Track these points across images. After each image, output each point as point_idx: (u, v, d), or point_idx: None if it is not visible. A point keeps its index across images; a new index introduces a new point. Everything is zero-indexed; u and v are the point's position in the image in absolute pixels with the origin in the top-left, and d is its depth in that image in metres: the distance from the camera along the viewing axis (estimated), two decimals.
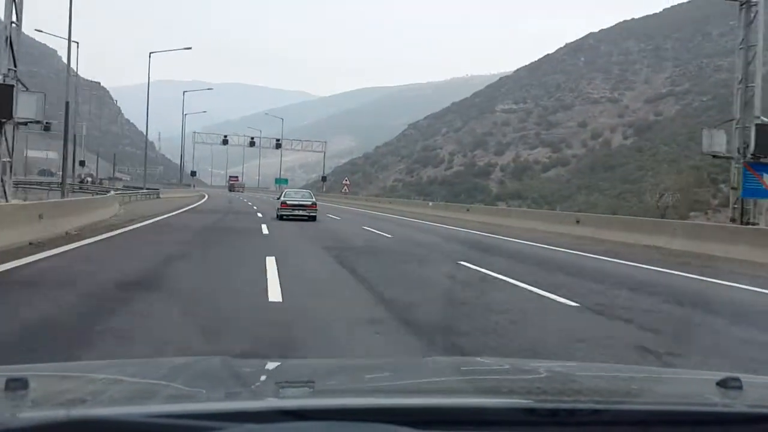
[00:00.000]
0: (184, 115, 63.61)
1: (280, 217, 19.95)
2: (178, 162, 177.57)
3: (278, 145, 70.08)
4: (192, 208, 27.14)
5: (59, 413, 1.04)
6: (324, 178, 71.39)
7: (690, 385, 1.69)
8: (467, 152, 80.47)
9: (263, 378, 1.58)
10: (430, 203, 37.10)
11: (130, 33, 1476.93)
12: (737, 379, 1.32)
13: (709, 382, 1.41)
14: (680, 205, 54.31)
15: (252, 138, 69.73)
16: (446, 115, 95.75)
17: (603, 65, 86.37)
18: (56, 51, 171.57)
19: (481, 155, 78.97)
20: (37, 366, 2.10)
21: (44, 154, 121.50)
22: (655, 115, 76.63)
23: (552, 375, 1.72)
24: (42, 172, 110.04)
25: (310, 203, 20.29)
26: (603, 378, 1.77)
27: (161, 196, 39.36)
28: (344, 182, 57.91)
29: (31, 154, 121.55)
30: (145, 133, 53.07)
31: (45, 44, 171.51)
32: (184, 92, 57.65)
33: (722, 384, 1.31)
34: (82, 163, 74.27)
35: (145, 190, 37.86)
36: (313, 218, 19.89)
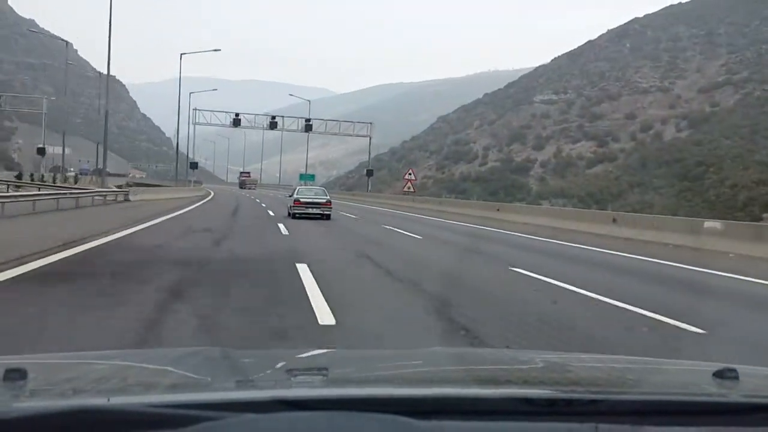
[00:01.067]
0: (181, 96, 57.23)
1: (293, 215, 18.97)
2: (196, 158, 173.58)
3: (308, 127, 56.23)
4: (129, 237, 11.35)
5: (59, 403, 1.05)
6: (369, 172, 56.36)
7: (687, 376, 1.70)
8: (503, 146, 74.23)
9: (263, 368, 1.60)
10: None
11: (146, 31, 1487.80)
12: (734, 370, 1.33)
13: (705, 372, 1.43)
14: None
15: (273, 118, 55.93)
16: (477, 107, 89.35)
17: (651, 52, 79.47)
18: (71, 44, 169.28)
19: (518, 150, 72.69)
20: (35, 356, 2.10)
21: (56, 149, 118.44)
22: (711, 106, 69.72)
23: (549, 365, 1.75)
24: (55, 169, 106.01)
25: (324, 201, 19.50)
26: (600, 368, 1.79)
27: (133, 198, 27.00)
28: (407, 177, 39.67)
29: (49, 150, 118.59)
30: (107, 94, 47.15)
31: (59, 37, 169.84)
32: (181, 55, 45.84)
33: (719, 374, 1.33)
34: (41, 151, 58.75)
35: (97, 190, 25.58)
36: (327, 216, 19.03)
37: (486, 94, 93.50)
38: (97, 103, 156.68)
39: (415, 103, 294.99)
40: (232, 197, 41.75)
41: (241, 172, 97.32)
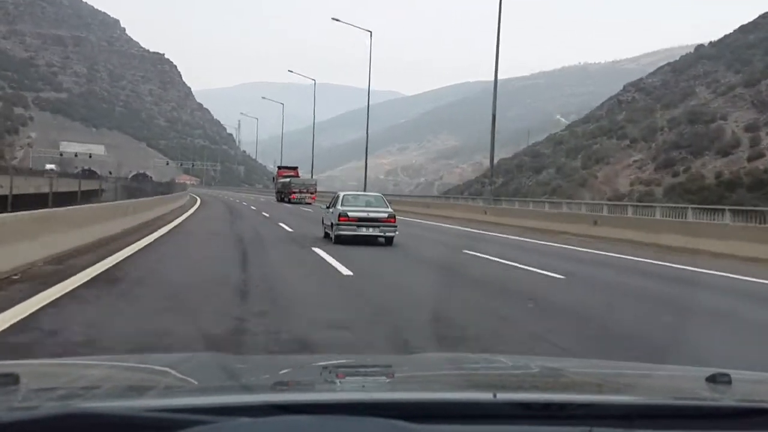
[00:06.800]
0: None
1: (337, 239, 12.90)
2: (265, 164, 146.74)
3: None
4: None
5: (51, 408, 1.05)
6: None
7: (680, 381, 1.72)
8: None
9: (257, 373, 1.62)
10: None
11: (217, 36, 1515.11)
12: (726, 375, 1.35)
13: (698, 377, 1.46)
14: None
15: None
16: (696, 64, 56.42)
17: None
18: (119, 21, 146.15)
19: None
20: (28, 361, 2.11)
21: (85, 147, 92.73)
22: None
23: (543, 370, 1.77)
24: (87, 173, 79.37)
25: (385, 215, 13.35)
26: (594, 373, 1.82)
27: None
28: None
29: (76, 149, 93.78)
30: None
31: (106, 13, 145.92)
32: None
33: (711, 379, 1.35)
34: None
35: None
36: (389, 240, 13.11)
37: (699, 46, 59.96)
38: (141, 88, 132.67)
39: (499, 99, 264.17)
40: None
41: (280, 169, 51.87)
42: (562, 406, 1.13)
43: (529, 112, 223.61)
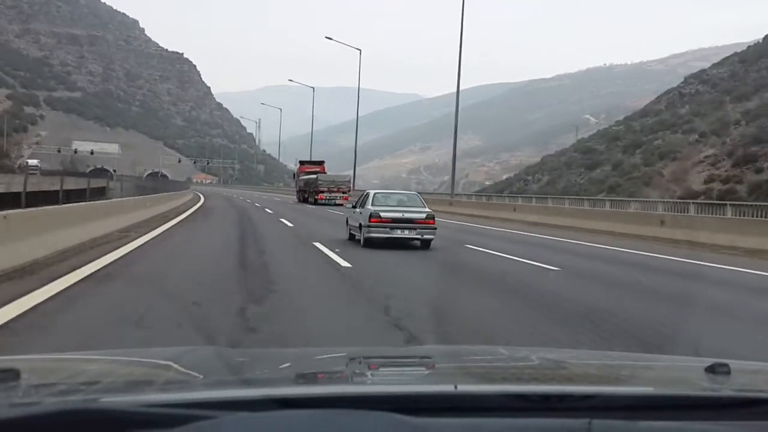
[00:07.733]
0: None
1: (367, 241, 11.64)
2: (285, 163, 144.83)
3: None
4: None
5: (53, 404, 1.05)
6: None
7: (679, 371, 1.73)
8: None
9: (257, 367, 1.62)
10: None
11: (239, 40, 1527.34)
12: (725, 365, 1.36)
13: (697, 367, 1.48)
14: None
15: None
16: None
17: None
18: (137, 21, 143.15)
19: None
20: (27, 357, 2.12)
21: (98, 146, 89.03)
22: None
23: (543, 362, 1.78)
24: (98, 172, 75.28)
25: (422, 216, 12.06)
26: (593, 364, 1.83)
27: None
28: None
29: (89, 148, 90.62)
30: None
31: (124, 13, 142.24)
32: None
33: (711, 369, 1.36)
34: None
35: None
36: (426, 244, 11.87)
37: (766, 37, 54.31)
38: (159, 88, 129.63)
39: (522, 100, 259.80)
40: None
41: (302, 164, 44.04)
42: (561, 398, 1.13)
43: (554, 113, 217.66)
